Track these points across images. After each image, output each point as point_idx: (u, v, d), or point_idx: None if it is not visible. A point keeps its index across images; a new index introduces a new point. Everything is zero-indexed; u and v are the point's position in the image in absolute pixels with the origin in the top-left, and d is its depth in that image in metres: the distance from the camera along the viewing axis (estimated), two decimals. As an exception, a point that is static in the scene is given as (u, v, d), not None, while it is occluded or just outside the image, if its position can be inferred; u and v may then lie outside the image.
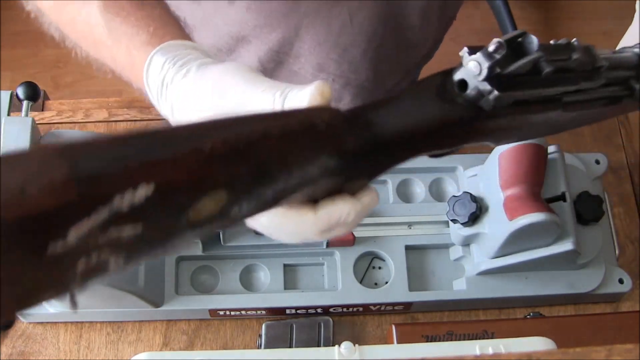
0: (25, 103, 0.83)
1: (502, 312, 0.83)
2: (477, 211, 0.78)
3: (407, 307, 0.82)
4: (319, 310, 0.80)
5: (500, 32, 1.88)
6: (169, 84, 0.49)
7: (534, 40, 0.44)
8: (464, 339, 0.74)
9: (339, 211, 0.43)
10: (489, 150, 0.80)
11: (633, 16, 0.68)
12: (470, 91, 0.44)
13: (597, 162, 0.87)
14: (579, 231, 0.81)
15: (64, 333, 0.80)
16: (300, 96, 0.43)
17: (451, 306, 0.83)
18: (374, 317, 0.82)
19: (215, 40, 0.83)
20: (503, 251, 0.79)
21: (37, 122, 0.78)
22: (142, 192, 0.30)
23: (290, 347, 0.76)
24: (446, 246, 0.84)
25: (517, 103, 0.45)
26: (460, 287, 0.82)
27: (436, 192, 0.87)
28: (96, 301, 0.77)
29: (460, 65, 0.44)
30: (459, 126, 0.45)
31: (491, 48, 0.42)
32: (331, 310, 0.80)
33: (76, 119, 0.91)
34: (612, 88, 0.51)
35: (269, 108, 0.44)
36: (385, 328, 0.81)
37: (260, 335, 0.77)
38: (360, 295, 0.80)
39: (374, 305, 0.81)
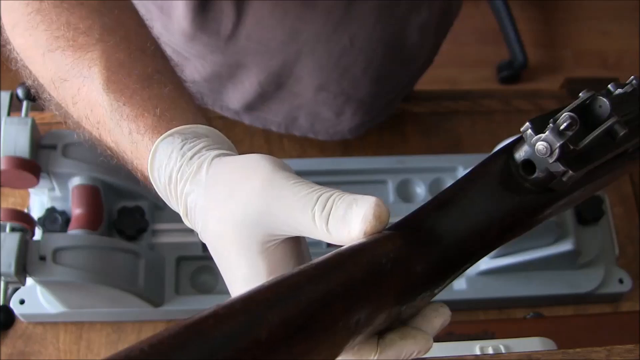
0: (25, 103, 0.83)
1: (502, 312, 0.83)
2: (477, 211, 0.78)
3: (407, 307, 0.82)
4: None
5: (500, 32, 1.88)
6: (179, 182, 0.42)
7: (605, 104, 0.39)
8: (464, 339, 0.74)
9: (408, 351, 0.38)
10: (489, 150, 0.80)
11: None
12: (539, 173, 0.39)
13: (597, 162, 0.87)
14: (579, 231, 0.81)
15: (64, 333, 0.80)
16: (351, 218, 0.36)
17: (451, 306, 0.83)
18: (374, 317, 0.82)
19: (213, 68, 0.82)
20: (503, 251, 0.79)
21: (37, 122, 0.78)
22: None
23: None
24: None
25: (589, 171, 0.40)
26: (460, 287, 0.82)
27: (436, 192, 0.87)
28: (96, 301, 0.77)
29: (521, 142, 0.40)
30: (532, 215, 0.40)
31: (563, 125, 0.37)
32: (331, 310, 0.80)
33: (76, 119, 0.91)
34: None
35: (307, 226, 0.37)
36: (385, 328, 0.81)
37: (260, 335, 0.77)
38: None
39: (374, 305, 0.80)
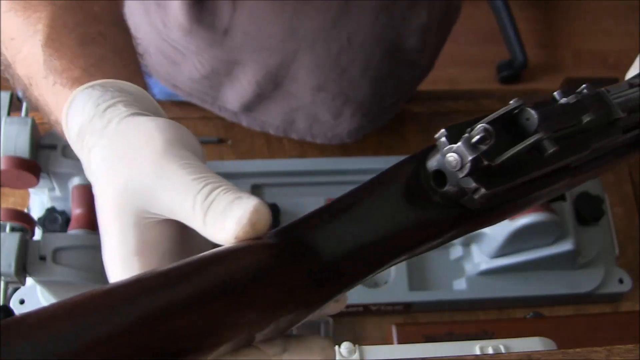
0: (25, 103, 0.83)
1: (502, 312, 0.83)
2: (477, 211, 0.78)
3: (407, 307, 0.82)
4: (319, 310, 0.80)
5: (500, 32, 1.88)
6: (87, 134, 0.40)
7: (533, 116, 0.35)
8: (464, 339, 0.74)
9: None
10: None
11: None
12: (450, 187, 0.35)
13: (597, 162, 0.87)
14: (579, 231, 0.81)
15: (64, 333, 0.79)
16: (228, 215, 0.33)
17: (451, 306, 0.83)
18: (374, 317, 0.82)
19: (211, 65, 0.82)
20: (503, 251, 0.79)
21: (37, 122, 0.78)
22: None
23: (290, 347, 0.75)
24: (446, 246, 0.84)
25: (514, 188, 0.36)
26: (460, 287, 0.82)
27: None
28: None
29: (435, 149, 0.35)
30: (438, 231, 0.36)
31: (475, 138, 0.33)
32: (331, 310, 0.80)
33: (76, 119, 0.91)
34: (631, 134, 0.42)
35: (185, 212, 0.35)
36: (385, 328, 0.81)
37: (260, 335, 0.77)
38: (360, 295, 0.80)
39: (374, 305, 0.81)
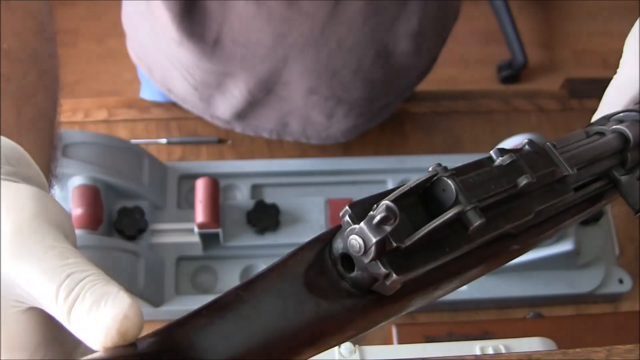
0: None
1: (502, 312, 0.83)
2: (477, 211, 0.78)
3: (407, 307, 0.82)
4: (318, 310, 0.80)
5: (500, 32, 1.88)
6: None
7: (450, 187, 0.31)
8: (464, 339, 0.74)
9: None
10: (489, 150, 0.80)
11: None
12: (358, 272, 0.30)
13: (597, 162, 0.87)
14: (579, 231, 0.81)
15: (64, 333, 0.79)
16: (94, 319, 0.29)
17: (451, 306, 0.83)
18: (374, 317, 0.82)
19: (202, 77, 0.82)
20: (503, 251, 0.80)
21: (37, 122, 0.78)
22: None
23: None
24: (446, 246, 0.84)
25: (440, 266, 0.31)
26: (460, 287, 0.82)
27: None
28: (96, 301, 0.77)
29: (342, 230, 0.31)
30: (345, 324, 0.31)
31: (378, 217, 0.28)
32: (331, 310, 0.80)
33: (76, 119, 0.91)
34: (585, 190, 0.38)
35: (49, 305, 0.30)
36: (386, 328, 0.81)
37: (260, 336, 0.76)
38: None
39: (374, 305, 0.80)
